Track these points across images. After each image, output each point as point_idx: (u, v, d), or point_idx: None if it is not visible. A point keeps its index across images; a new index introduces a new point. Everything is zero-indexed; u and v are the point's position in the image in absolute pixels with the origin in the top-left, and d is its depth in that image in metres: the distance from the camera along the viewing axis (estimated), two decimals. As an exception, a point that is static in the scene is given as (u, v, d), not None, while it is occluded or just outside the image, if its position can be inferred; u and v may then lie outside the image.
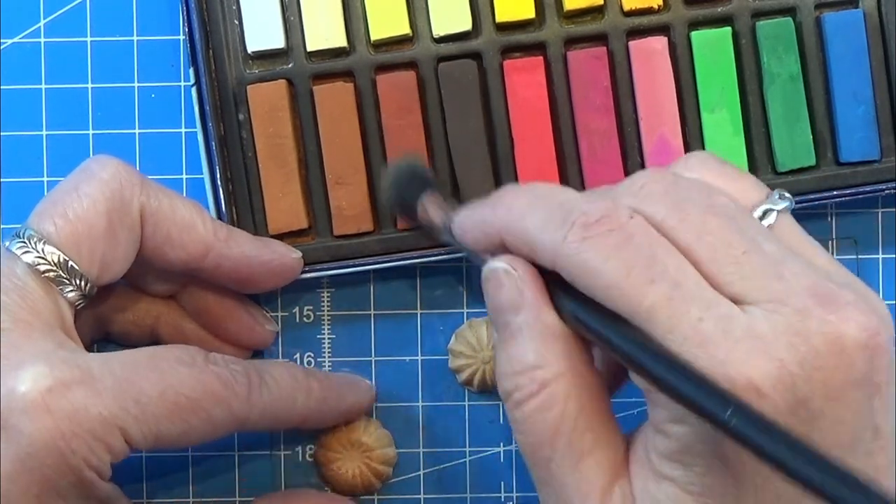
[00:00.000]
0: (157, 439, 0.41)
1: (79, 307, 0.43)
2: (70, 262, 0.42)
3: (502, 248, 0.40)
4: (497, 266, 0.39)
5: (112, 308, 0.47)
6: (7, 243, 0.42)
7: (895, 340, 0.36)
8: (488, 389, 0.49)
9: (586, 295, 0.36)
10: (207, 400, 0.42)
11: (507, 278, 0.39)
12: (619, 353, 0.36)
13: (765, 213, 0.38)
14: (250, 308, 0.49)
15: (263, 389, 0.44)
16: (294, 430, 0.49)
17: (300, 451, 0.50)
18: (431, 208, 0.45)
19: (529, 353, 0.38)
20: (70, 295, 0.42)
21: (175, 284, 0.48)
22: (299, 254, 0.47)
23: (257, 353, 0.50)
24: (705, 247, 0.36)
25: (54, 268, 0.41)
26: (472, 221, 0.42)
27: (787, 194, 0.39)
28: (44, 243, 0.41)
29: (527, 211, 0.38)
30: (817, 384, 0.34)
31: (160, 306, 0.48)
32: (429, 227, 0.45)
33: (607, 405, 0.39)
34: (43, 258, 0.41)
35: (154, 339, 0.48)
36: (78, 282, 0.42)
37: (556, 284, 0.38)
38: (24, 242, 0.41)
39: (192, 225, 0.44)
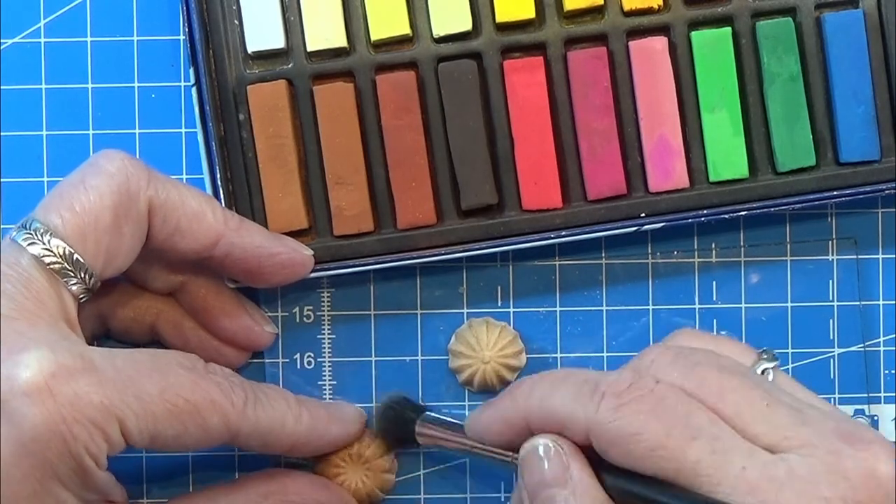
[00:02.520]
0: (152, 438, 0.41)
1: (82, 300, 0.43)
2: (75, 255, 0.42)
3: (525, 437, 0.41)
4: (540, 442, 0.41)
5: (113, 304, 0.47)
6: (13, 234, 0.42)
7: None
8: (488, 389, 0.49)
9: (623, 465, 0.38)
10: (205, 406, 0.42)
11: (551, 454, 0.40)
12: None
13: (763, 372, 0.41)
14: (250, 309, 0.49)
15: (258, 405, 0.44)
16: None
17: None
18: (430, 432, 0.47)
19: None
20: (74, 288, 0.42)
21: (176, 281, 0.48)
22: (310, 251, 0.47)
23: (256, 355, 0.50)
24: (730, 405, 0.38)
25: (60, 260, 0.42)
26: (490, 417, 0.43)
27: (773, 352, 0.42)
28: (50, 235, 0.41)
29: (551, 391, 0.41)
30: None
31: (160, 304, 0.48)
32: (438, 446, 0.47)
33: None
34: (49, 250, 0.41)
35: (153, 337, 0.48)
36: (82, 275, 0.42)
37: (597, 459, 0.39)
38: (31, 234, 0.42)
39: (202, 214, 0.44)
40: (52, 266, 0.42)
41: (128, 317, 0.48)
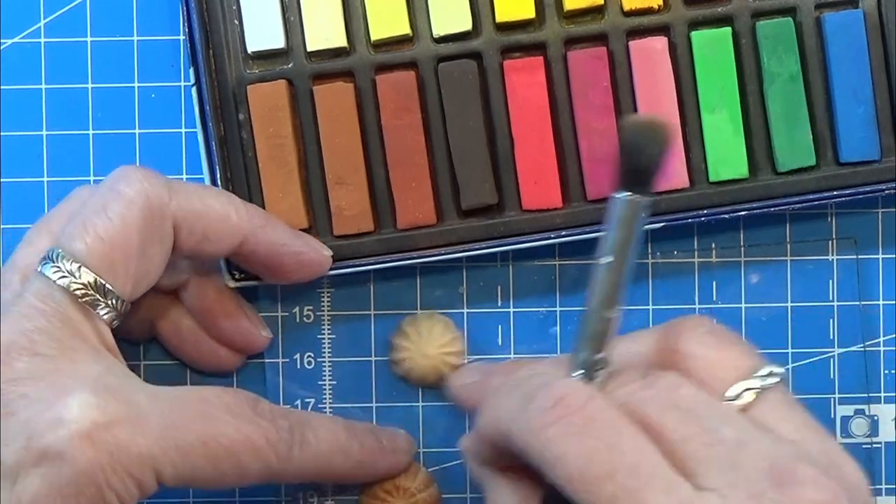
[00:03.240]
0: (189, 482, 0.41)
1: (114, 326, 0.42)
2: (106, 285, 0.41)
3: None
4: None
5: None
6: (39, 268, 0.41)
7: None
8: (425, 384, 0.49)
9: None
10: (247, 454, 0.42)
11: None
12: None
13: (746, 389, 0.39)
14: (248, 312, 0.49)
15: (305, 448, 0.44)
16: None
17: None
18: (623, 215, 0.39)
19: None
20: (106, 316, 0.42)
21: (180, 280, 0.48)
22: (330, 252, 0.47)
23: (256, 355, 0.50)
24: (666, 442, 0.36)
25: (90, 291, 0.41)
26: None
27: (778, 370, 0.39)
28: (79, 267, 0.41)
29: (495, 401, 0.39)
30: None
31: (161, 301, 0.48)
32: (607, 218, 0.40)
33: None
34: (78, 282, 0.41)
35: (152, 334, 0.48)
36: (113, 302, 0.42)
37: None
38: (58, 267, 0.41)
39: (227, 217, 0.44)
40: (84, 299, 0.41)
41: (129, 318, 0.48)
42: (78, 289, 0.41)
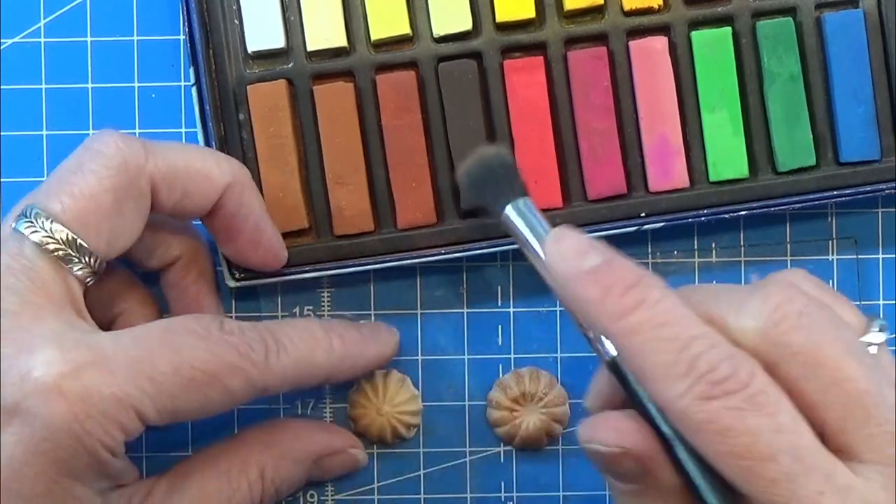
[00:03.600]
0: (173, 415, 0.41)
1: (89, 284, 0.43)
2: (79, 240, 0.41)
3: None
4: (605, 450, 0.37)
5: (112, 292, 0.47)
6: (13, 223, 0.42)
7: None
8: (384, 442, 0.49)
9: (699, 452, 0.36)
10: (224, 372, 0.41)
11: (624, 458, 0.37)
12: None
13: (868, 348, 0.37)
14: (219, 306, 0.49)
15: (281, 354, 0.43)
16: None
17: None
18: (518, 222, 0.42)
19: None
20: (79, 272, 0.42)
21: (170, 255, 0.47)
22: (286, 254, 0.47)
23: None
24: (834, 394, 0.35)
25: (63, 246, 0.41)
26: (575, 292, 0.38)
27: (886, 324, 0.38)
28: (51, 222, 0.41)
29: (650, 350, 0.36)
30: None
31: (128, 289, 0.48)
32: (513, 237, 0.43)
33: None
34: (51, 237, 0.41)
35: (110, 320, 0.48)
36: (87, 259, 0.42)
37: (677, 442, 0.37)
38: (31, 222, 0.41)
39: (208, 172, 0.44)
40: (55, 253, 0.41)
41: (97, 301, 0.47)
42: (50, 243, 0.41)
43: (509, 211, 0.42)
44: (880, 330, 0.38)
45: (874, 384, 0.36)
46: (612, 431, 0.37)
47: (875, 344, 0.38)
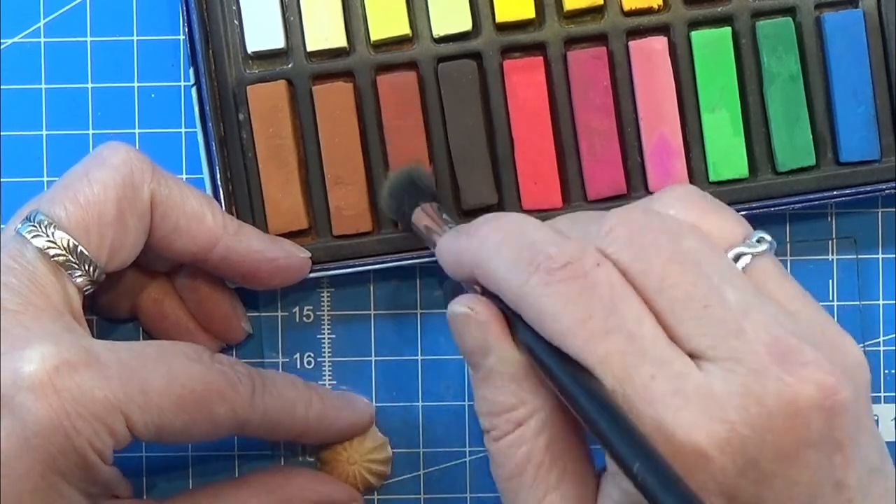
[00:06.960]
0: (158, 430, 0.41)
1: (87, 293, 0.43)
2: (80, 248, 0.42)
3: (476, 280, 0.39)
4: (458, 311, 0.39)
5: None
6: (17, 226, 0.42)
7: (869, 384, 0.36)
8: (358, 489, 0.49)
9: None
10: (211, 397, 0.42)
11: (469, 322, 0.38)
12: (562, 395, 0.36)
13: (738, 257, 0.37)
14: (235, 303, 0.49)
15: (266, 394, 0.44)
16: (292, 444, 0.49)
17: (300, 449, 0.50)
18: (424, 220, 0.45)
19: (500, 395, 0.38)
20: (79, 280, 0.42)
21: (172, 263, 0.48)
22: (308, 253, 0.47)
23: (256, 355, 0.50)
24: (666, 299, 0.35)
25: (64, 252, 0.42)
26: (448, 250, 0.41)
27: (767, 237, 0.38)
28: (54, 228, 0.42)
29: (495, 249, 0.37)
30: (769, 446, 0.33)
31: (144, 279, 0.48)
32: (422, 238, 0.45)
33: (580, 439, 0.38)
34: (53, 242, 0.42)
35: (134, 313, 0.49)
36: (87, 267, 0.42)
37: (519, 321, 0.37)
38: (35, 226, 0.42)
39: (202, 216, 0.45)
40: (56, 258, 0.42)
41: (112, 290, 0.48)
42: (50, 248, 0.41)
43: (415, 215, 0.45)
44: (758, 241, 0.38)
45: (703, 287, 0.35)
46: (463, 300, 0.39)
47: (748, 254, 0.37)
